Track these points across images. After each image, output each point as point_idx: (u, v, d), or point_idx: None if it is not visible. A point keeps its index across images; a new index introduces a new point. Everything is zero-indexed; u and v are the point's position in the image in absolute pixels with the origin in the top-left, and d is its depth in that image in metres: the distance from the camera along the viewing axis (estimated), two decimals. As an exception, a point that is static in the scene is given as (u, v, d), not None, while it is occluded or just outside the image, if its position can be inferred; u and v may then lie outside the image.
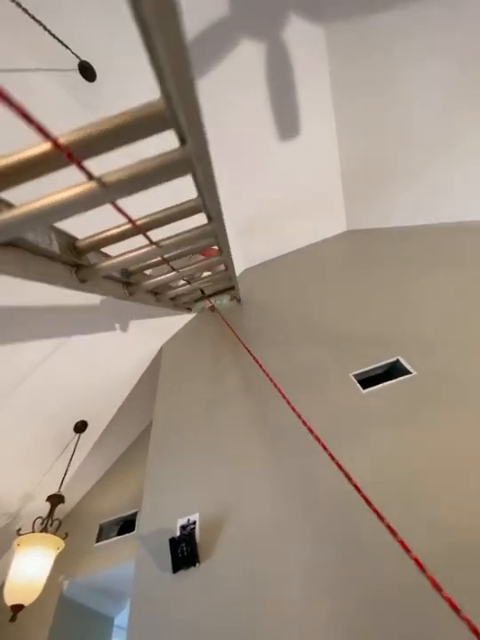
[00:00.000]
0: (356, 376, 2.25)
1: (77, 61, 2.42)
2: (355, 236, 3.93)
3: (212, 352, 3.15)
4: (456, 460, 1.58)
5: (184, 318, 3.65)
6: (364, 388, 2.14)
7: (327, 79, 3.11)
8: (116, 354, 3.07)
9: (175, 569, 1.63)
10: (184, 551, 1.66)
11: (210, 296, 2.24)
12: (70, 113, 2.49)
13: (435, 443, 1.69)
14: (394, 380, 2.10)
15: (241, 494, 1.87)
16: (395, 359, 2.24)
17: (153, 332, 3.38)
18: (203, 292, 1.81)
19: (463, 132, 2.87)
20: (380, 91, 2.98)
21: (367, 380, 2.21)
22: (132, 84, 2.64)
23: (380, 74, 2.90)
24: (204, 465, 2.15)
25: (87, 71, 2.52)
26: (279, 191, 3.72)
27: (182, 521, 1.82)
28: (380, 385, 2.12)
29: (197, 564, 1.63)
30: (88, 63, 2.48)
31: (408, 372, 2.12)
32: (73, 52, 2.24)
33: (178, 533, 1.76)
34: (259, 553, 1.59)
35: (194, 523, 1.79)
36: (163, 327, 3.47)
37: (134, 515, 2.88)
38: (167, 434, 2.52)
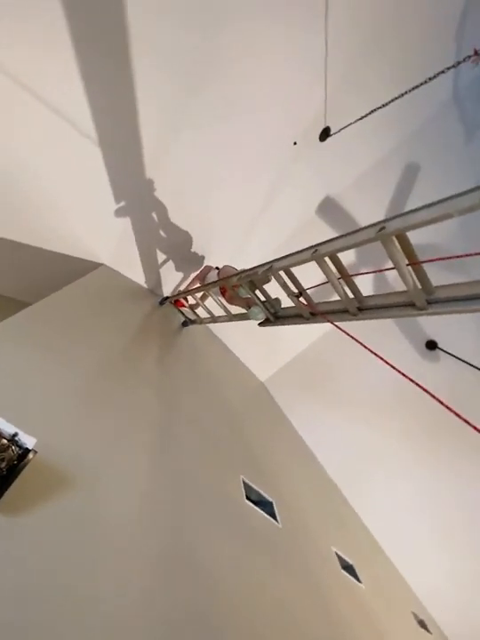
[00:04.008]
0: (243, 482, 2.07)
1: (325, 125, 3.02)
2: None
3: (143, 328, 2.59)
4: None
5: (138, 280, 3.07)
6: (247, 497, 1.97)
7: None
8: (67, 202, 2.17)
9: None
10: (-4, 468, 0.83)
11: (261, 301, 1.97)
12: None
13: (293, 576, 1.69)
14: (268, 516, 2.02)
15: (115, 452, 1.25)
16: (271, 500, 2.20)
17: (117, 251, 2.69)
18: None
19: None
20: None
21: (248, 496, 2.04)
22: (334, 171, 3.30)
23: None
24: (77, 389, 1.43)
25: (325, 133, 3.09)
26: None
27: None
28: (259, 509, 1.98)
29: (-9, 508, 0.80)
30: (330, 129, 3.08)
31: (276, 519, 2.07)
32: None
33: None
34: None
35: (24, 449, 0.98)
36: (128, 262, 2.81)
37: None
38: (49, 321, 1.66)
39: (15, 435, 1.01)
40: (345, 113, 2.90)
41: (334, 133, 3.07)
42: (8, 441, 0.94)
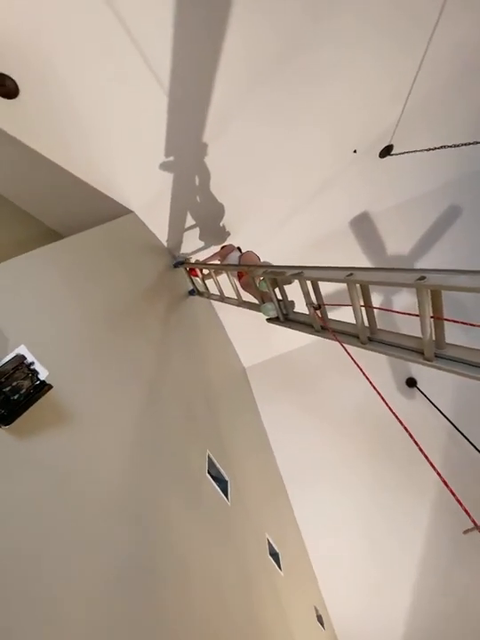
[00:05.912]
0: (209, 456, 2.20)
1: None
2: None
3: (153, 285, 2.61)
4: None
5: (160, 237, 3.04)
6: (208, 471, 2.10)
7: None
8: (119, 141, 2.10)
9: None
10: (15, 389, 0.88)
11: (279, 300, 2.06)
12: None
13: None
14: (221, 492, 2.17)
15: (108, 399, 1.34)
16: (227, 479, 2.34)
17: (150, 203, 2.64)
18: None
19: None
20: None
21: (209, 470, 2.18)
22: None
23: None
24: (86, 329, 1.48)
25: (386, 151, 3.04)
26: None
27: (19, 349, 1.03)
28: (215, 484, 2.13)
29: (3, 426, 0.85)
30: (392, 148, 3.03)
31: (227, 497, 2.22)
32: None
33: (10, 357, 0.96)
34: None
35: (40, 381, 1.03)
36: (156, 217, 2.77)
37: None
38: (72, 260, 1.67)
39: (32, 364, 1.06)
40: (412, 138, 2.86)
41: (395, 154, 3.03)
42: (28, 369, 0.99)
